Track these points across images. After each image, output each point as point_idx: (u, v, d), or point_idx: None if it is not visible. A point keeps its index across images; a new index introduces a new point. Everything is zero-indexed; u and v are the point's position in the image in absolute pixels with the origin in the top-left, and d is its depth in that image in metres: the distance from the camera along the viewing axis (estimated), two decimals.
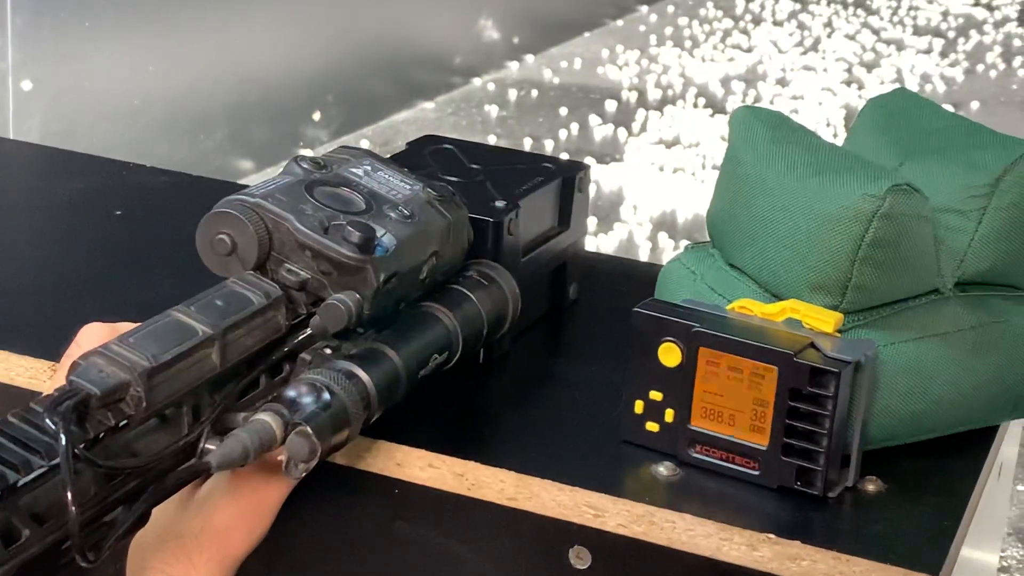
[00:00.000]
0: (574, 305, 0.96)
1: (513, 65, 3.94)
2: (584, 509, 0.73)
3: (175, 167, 1.20)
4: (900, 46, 4.37)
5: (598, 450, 0.78)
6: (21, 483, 0.56)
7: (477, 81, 3.76)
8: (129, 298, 0.92)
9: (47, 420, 0.58)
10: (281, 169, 0.77)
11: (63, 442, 0.57)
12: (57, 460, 0.57)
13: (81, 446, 0.59)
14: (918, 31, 4.57)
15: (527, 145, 3.23)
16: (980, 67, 4.21)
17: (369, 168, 0.79)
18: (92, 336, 0.70)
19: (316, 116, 3.08)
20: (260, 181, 0.76)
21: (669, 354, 0.75)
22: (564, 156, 0.92)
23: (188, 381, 0.65)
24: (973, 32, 4.58)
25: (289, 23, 3.01)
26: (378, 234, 0.73)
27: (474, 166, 0.92)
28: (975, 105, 3.77)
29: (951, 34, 4.55)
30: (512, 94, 3.69)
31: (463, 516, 0.76)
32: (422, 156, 0.93)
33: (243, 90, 2.85)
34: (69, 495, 0.57)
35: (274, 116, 2.94)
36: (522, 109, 3.60)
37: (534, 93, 3.72)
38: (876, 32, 4.52)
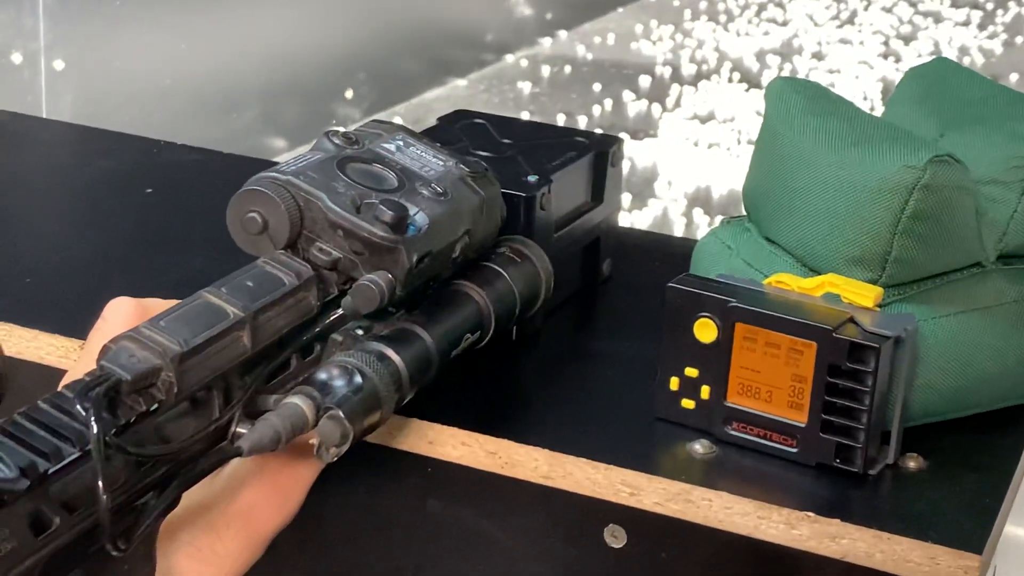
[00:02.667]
0: (607, 281, 0.95)
1: (546, 41, 3.92)
2: (619, 487, 0.72)
3: (207, 146, 1.20)
4: (938, 18, 4.32)
5: (633, 428, 0.77)
6: (52, 471, 0.55)
7: (510, 58, 3.74)
8: (160, 276, 0.92)
9: (78, 406, 0.57)
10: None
11: (94, 429, 0.56)
12: (88, 447, 0.56)
13: (112, 432, 0.58)
14: (956, 3, 4.52)
15: (560, 121, 3.21)
16: (1019, 39, 4.16)
17: (401, 143, 0.77)
18: (119, 311, 0.69)
19: (348, 94, 3.08)
20: (291, 158, 0.74)
21: (705, 330, 0.74)
22: (598, 131, 0.91)
23: (219, 365, 0.64)
24: (1012, 3, 4.52)
25: (320, 1, 3.00)
26: (411, 213, 0.71)
27: (505, 141, 0.91)
28: (1014, 77, 3.73)
29: (989, 6, 4.50)
30: (545, 70, 3.67)
31: (496, 495, 0.75)
32: (453, 131, 0.92)
33: (274, 69, 2.84)
34: (100, 483, 0.56)
35: (306, 94, 2.94)
36: (555, 85, 3.58)
37: (567, 69, 3.70)
38: (913, 4, 4.47)
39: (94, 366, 0.60)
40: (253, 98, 2.79)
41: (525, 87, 3.53)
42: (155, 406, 0.61)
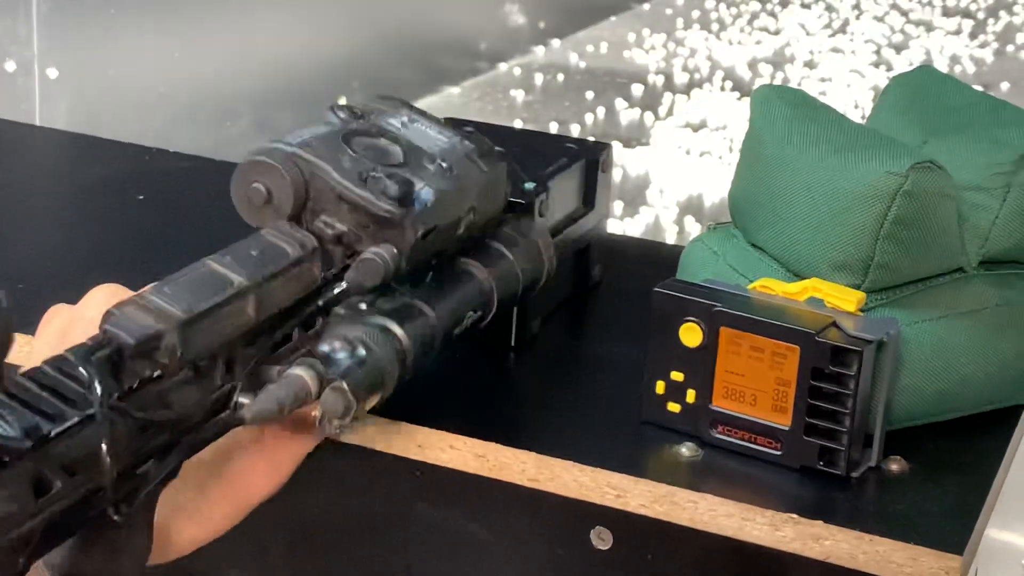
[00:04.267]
0: (598, 286, 0.96)
1: (539, 50, 3.93)
2: (606, 490, 0.73)
3: (201, 154, 1.20)
4: (929, 27, 4.34)
5: (620, 431, 0.78)
6: (54, 433, 0.55)
7: (503, 66, 3.76)
8: (151, 281, 0.92)
9: (80, 369, 0.57)
10: None
11: (98, 392, 0.56)
12: (90, 411, 0.56)
13: (115, 397, 0.57)
14: (947, 12, 4.54)
15: (553, 129, 3.22)
16: (1010, 48, 4.17)
17: (406, 119, 0.77)
18: (97, 300, 0.70)
19: (342, 102, 3.09)
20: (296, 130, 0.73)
21: (690, 334, 0.75)
22: (589, 139, 0.92)
23: (223, 333, 0.63)
24: (1003, 13, 4.54)
25: (314, 9, 3.01)
26: (416, 187, 0.71)
27: (497, 149, 0.92)
28: (1005, 86, 3.74)
29: (981, 15, 4.52)
30: (538, 79, 3.69)
31: (485, 497, 0.76)
32: None
33: (268, 77, 2.85)
34: (104, 447, 0.55)
35: (299, 102, 2.95)
36: (548, 94, 3.59)
37: (560, 77, 3.71)
38: (905, 13, 4.49)
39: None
40: (247, 106, 2.80)
41: (518, 95, 3.54)
42: (158, 372, 0.60)
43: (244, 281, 0.64)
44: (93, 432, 0.56)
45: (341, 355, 0.67)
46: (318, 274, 0.69)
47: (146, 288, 0.62)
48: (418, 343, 0.71)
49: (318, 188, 0.70)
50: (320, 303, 0.70)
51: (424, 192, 0.71)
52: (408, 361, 0.70)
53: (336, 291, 0.70)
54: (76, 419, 0.56)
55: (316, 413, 0.65)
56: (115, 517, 0.57)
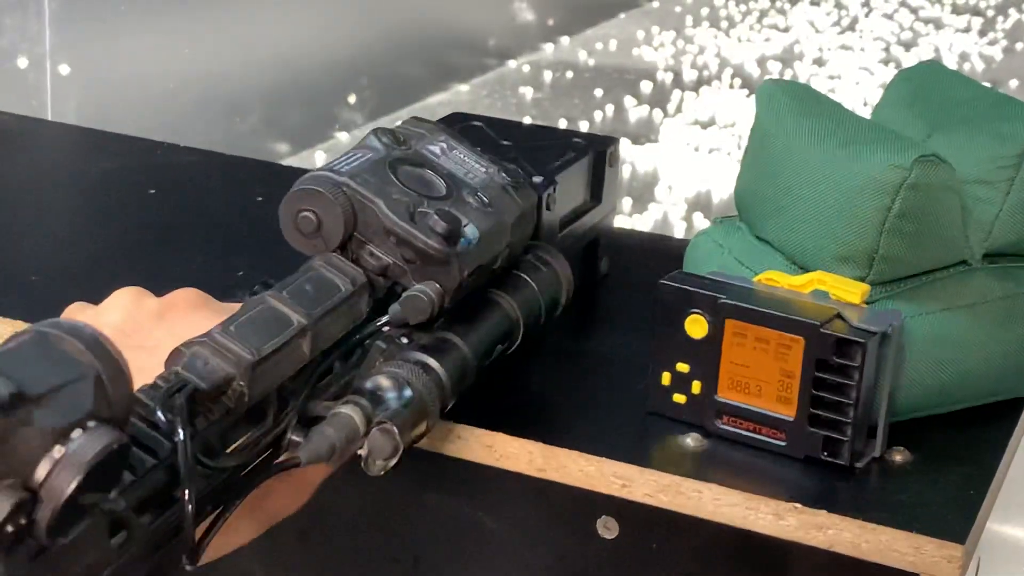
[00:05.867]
0: (605, 279, 0.97)
1: (548, 47, 3.93)
2: (612, 479, 0.73)
3: (210, 149, 1.21)
4: (938, 25, 4.34)
5: (626, 422, 0.78)
6: (131, 481, 0.53)
7: (512, 63, 3.76)
8: (161, 274, 0.93)
9: (159, 414, 0.56)
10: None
11: (180, 437, 0.55)
12: (165, 457, 0.55)
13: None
14: (957, 10, 4.54)
15: (562, 127, 3.23)
16: (1019, 45, 4.17)
17: (445, 146, 0.77)
18: (120, 304, 0.70)
19: (351, 99, 3.09)
20: (340, 156, 0.73)
21: (696, 326, 0.75)
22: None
23: (283, 372, 0.63)
24: (1012, 10, 4.54)
25: (324, 6, 3.02)
26: (462, 223, 0.71)
27: (505, 143, 0.92)
28: (1014, 83, 3.74)
29: (990, 12, 4.51)
30: (547, 76, 3.69)
31: (492, 488, 0.77)
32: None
33: (278, 73, 2.86)
34: (187, 495, 0.54)
35: (309, 99, 2.96)
36: (557, 91, 3.60)
37: (569, 75, 3.71)
38: (914, 11, 4.49)
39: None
40: (256, 102, 2.81)
41: (527, 92, 3.55)
42: (222, 415, 0.60)
43: (303, 320, 0.64)
44: (173, 479, 0.55)
45: (390, 395, 0.67)
46: (364, 309, 0.69)
47: (214, 327, 0.61)
48: (456, 378, 0.71)
49: (366, 220, 0.70)
50: (359, 336, 0.70)
51: (468, 229, 0.71)
52: (447, 396, 0.70)
53: (378, 323, 0.70)
54: (153, 465, 0.55)
55: (362, 452, 0.65)
56: (188, 567, 0.56)
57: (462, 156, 0.77)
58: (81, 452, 0.47)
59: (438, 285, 0.70)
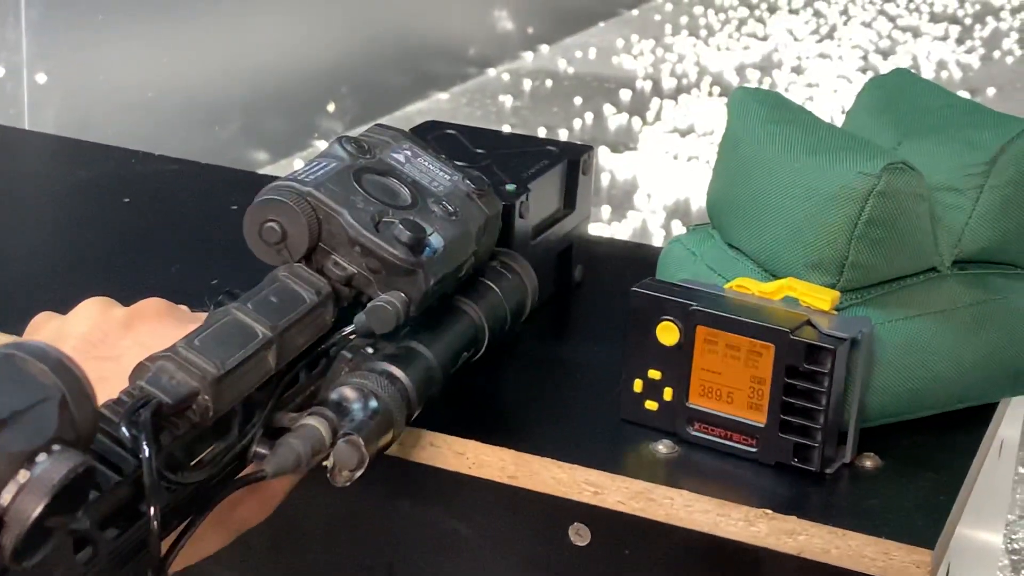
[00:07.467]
0: (579, 287, 0.97)
1: (528, 55, 3.94)
2: (583, 486, 0.73)
3: (189, 158, 1.21)
4: (916, 33, 4.36)
5: (599, 429, 0.78)
6: (96, 498, 0.53)
7: (492, 71, 3.77)
8: (136, 282, 0.93)
9: (123, 430, 0.55)
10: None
11: (145, 453, 0.54)
12: (130, 474, 0.54)
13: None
14: (935, 18, 4.56)
15: (542, 134, 3.24)
16: (996, 53, 4.19)
17: (409, 153, 0.76)
18: (87, 314, 0.69)
19: (331, 108, 3.09)
20: (303, 165, 0.73)
21: (667, 333, 0.76)
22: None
23: (249, 385, 0.63)
24: (990, 18, 4.56)
25: (303, 15, 3.02)
26: (427, 232, 0.71)
27: (479, 151, 0.93)
28: (991, 91, 3.76)
29: (968, 20, 4.54)
30: (527, 84, 3.70)
31: (465, 495, 0.77)
32: (426, 142, 0.93)
33: (257, 82, 2.86)
34: (152, 511, 0.54)
35: (289, 108, 2.96)
36: (536, 99, 3.61)
37: (548, 83, 3.72)
38: (892, 19, 4.51)
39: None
40: (236, 111, 2.81)
41: (507, 100, 3.55)
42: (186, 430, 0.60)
43: (268, 332, 0.64)
44: (138, 495, 0.54)
45: (355, 407, 0.66)
46: (329, 319, 0.69)
47: (179, 340, 0.61)
48: (421, 387, 0.71)
49: (331, 230, 0.69)
50: (324, 346, 0.70)
51: (433, 239, 0.71)
52: (413, 406, 0.70)
53: (344, 333, 0.70)
54: (118, 482, 0.54)
55: (328, 464, 0.65)
56: None
57: (427, 164, 0.77)
58: (46, 476, 0.47)
59: (403, 295, 0.70)
